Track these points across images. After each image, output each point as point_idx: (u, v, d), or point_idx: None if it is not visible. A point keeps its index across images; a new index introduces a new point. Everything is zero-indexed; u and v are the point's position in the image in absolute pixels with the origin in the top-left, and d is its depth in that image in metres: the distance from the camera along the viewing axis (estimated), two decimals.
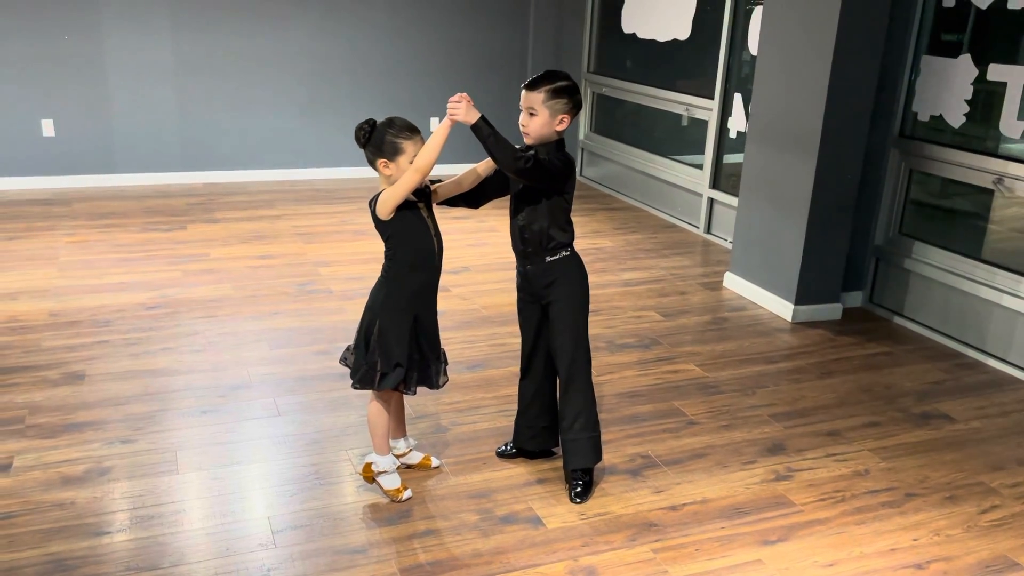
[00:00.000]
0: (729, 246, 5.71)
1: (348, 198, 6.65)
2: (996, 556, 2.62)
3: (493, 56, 7.47)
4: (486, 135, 2.51)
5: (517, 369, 3.68)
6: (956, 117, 4.16)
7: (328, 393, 3.47)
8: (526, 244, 2.75)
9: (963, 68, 4.10)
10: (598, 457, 2.87)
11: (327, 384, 3.55)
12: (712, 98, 5.84)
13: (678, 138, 6.48)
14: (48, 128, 6.45)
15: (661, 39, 6.40)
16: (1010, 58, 3.91)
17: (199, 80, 6.71)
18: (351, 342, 2.76)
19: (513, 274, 4.75)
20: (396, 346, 2.65)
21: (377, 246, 2.69)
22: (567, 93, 2.65)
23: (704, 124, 5.99)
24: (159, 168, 6.78)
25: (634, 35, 6.72)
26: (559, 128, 2.67)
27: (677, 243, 5.87)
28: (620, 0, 6.83)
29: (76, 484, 2.78)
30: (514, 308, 4.22)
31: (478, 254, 5.34)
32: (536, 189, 2.68)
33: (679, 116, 6.35)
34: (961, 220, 4.41)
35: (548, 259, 2.74)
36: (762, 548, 2.61)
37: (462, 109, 2.49)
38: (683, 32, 6.15)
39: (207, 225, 5.75)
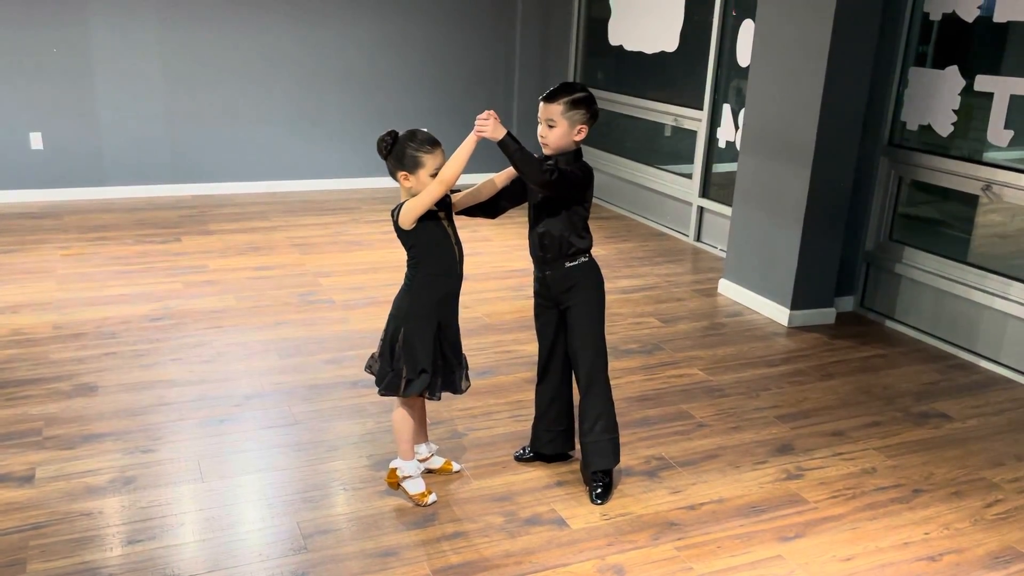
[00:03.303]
0: (719, 253, 5.82)
1: (339, 209, 6.68)
2: (1004, 547, 2.72)
3: (480, 69, 7.55)
4: (513, 151, 2.58)
5: (526, 375, 3.78)
6: (944, 126, 4.30)
7: (342, 401, 3.51)
8: (545, 251, 2.81)
9: (950, 79, 4.24)
10: (617, 459, 2.94)
11: (340, 392, 3.58)
12: (701, 109, 5.95)
13: (666, 148, 6.60)
14: (36, 141, 6.42)
15: (648, 51, 6.52)
16: (996, 69, 4.06)
17: (188, 92, 6.71)
18: (375, 350, 2.81)
19: (512, 282, 4.85)
20: (421, 353, 2.70)
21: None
22: (585, 104, 2.73)
23: (693, 134, 6.10)
24: (148, 180, 6.77)
25: (621, 48, 6.84)
26: (577, 138, 2.74)
27: (668, 251, 5.97)
28: (607, 13, 6.95)
29: (101, 494, 2.79)
30: (516, 315, 4.31)
31: (474, 264, 5.35)
32: (556, 198, 2.75)
33: (667, 127, 6.46)
34: (950, 226, 4.54)
35: (567, 265, 2.81)
36: (781, 544, 2.69)
37: (490, 126, 2.56)
38: (671, 44, 6.26)
39: (202, 237, 5.75)
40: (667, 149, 6.61)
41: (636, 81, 6.77)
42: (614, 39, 6.91)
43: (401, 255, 2.73)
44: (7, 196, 6.43)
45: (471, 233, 5.91)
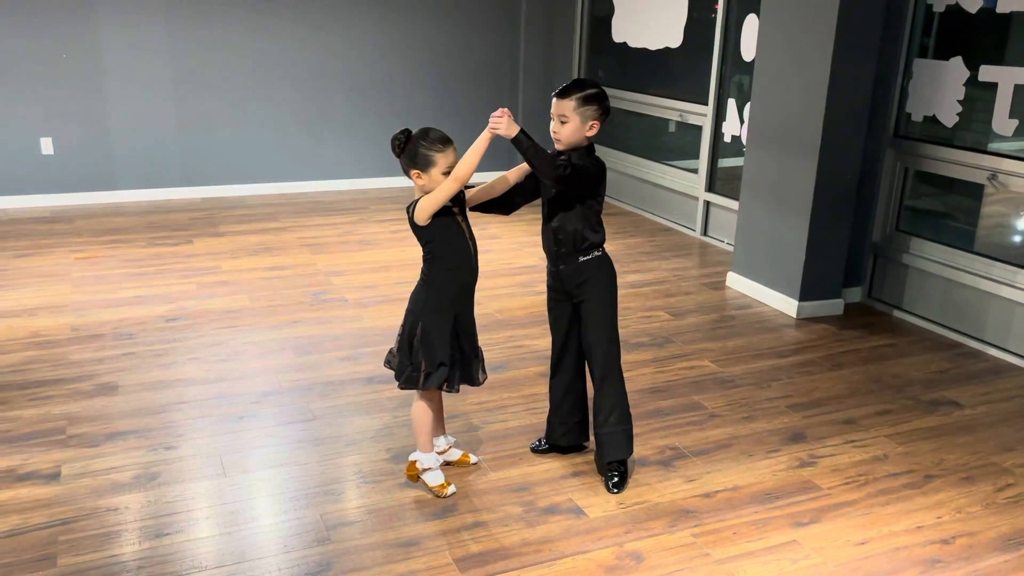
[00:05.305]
0: (726, 247, 5.86)
1: (348, 209, 6.73)
2: (1016, 530, 2.76)
3: (485, 68, 7.59)
4: (526, 147, 2.63)
5: (539, 369, 3.83)
6: (949, 117, 4.33)
7: (359, 397, 3.56)
8: (560, 245, 2.86)
9: (954, 70, 4.27)
10: (631, 449, 2.98)
11: (356, 388, 3.63)
12: (706, 104, 5.99)
13: (672, 144, 6.64)
14: (47, 146, 6.48)
15: (652, 47, 6.56)
16: (1000, 59, 4.09)
17: (197, 96, 6.77)
18: (393, 345, 2.86)
19: (522, 279, 4.91)
20: (439, 346, 2.75)
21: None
22: (597, 100, 2.77)
23: (698, 129, 6.14)
24: (159, 184, 6.83)
25: (625, 44, 6.88)
26: (590, 134, 2.78)
27: (675, 245, 6.02)
28: (610, 10, 6.99)
29: (127, 489, 2.84)
30: (527, 311, 4.36)
31: (484, 261, 5.32)
32: (569, 193, 2.80)
33: (672, 122, 6.51)
34: (956, 215, 4.58)
35: (581, 259, 2.85)
36: (796, 530, 2.73)
37: (504, 123, 2.61)
38: (675, 40, 6.30)
39: (213, 239, 5.81)
40: (672, 145, 6.65)
41: (640, 77, 6.81)
42: (618, 36, 6.95)
43: (411, 253, 2.78)
44: (19, 201, 6.48)
45: (480, 230, 5.91)
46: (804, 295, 4.61)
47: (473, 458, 3.08)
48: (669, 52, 6.40)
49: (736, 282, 5.07)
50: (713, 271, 5.43)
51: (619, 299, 3.00)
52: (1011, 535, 2.73)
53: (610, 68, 7.24)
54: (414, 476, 2.91)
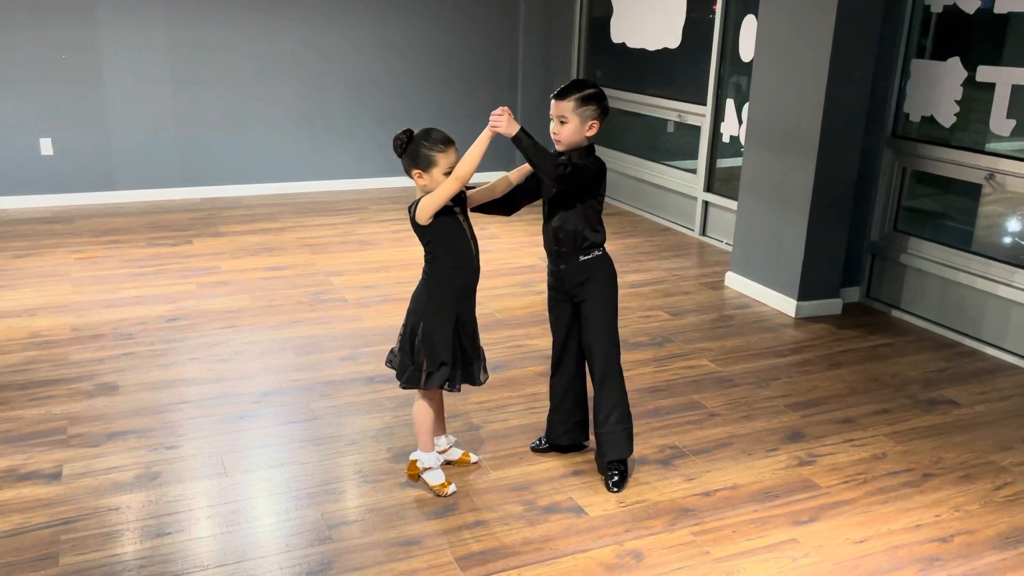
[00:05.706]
0: (725, 247, 5.87)
1: (347, 210, 6.74)
2: (1014, 528, 2.77)
3: (484, 68, 7.61)
4: (527, 145, 2.64)
5: (538, 368, 3.84)
6: (947, 117, 4.35)
7: (359, 396, 3.57)
8: (560, 244, 2.87)
9: (952, 70, 4.29)
10: (631, 448, 3.00)
11: (357, 388, 3.64)
12: (705, 104, 6.00)
13: (670, 144, 6.65)
14: (47, 147, 6.48)
15: (651, 48, 6.57)
16: (997, 60, 4.11)
17: (196, 96, 6.78)
18: (394, 345, 2.87)
19: (521, 279, 4.92)
20: (441, 345, 2.76)
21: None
22: (595, 100, 2.79)
23: (697, 130, 6.15)
24: (158, 184, 6.83)
25: (624, 45, 6.89)
26: (589, 134, 2.80)
27: (674, 245, 6.03)
28: (609, 11, 7.00)
29: (128, 489, 2.85)
30: (526, 311, 4.36)
31: (483, 261, 5.41)
32: (570, 192, 2.81)
33: (671, 123, 6.52)
34: (954, 215, 4.60)
35: (582, 258, 2.87)
36: (795, 528, 2.74)
37: (504, 121, 2.62)
38: (673, 41, 6.31)
39: (213, 239, 5.82)
40: (671, 145, 6.67)
41: (639, 78, 6.82)
42: (616, 36, 6.96)
43: (411, 253, 2.79)
44: (19, 201, 6.49)
45: (480, 230, 5.87)
46: (803, 295, 4.62)
47: (473, 457, 3.09)
48: (668, 52, 6.41)
49: (735, 282, 5.09)
50: (712, 271, 5.44)
51: (619, 299, 3.01)
52: (1009, 533, 2.75)
53: (609, 68, 7.25)
54: (415, 475, 2.92)
